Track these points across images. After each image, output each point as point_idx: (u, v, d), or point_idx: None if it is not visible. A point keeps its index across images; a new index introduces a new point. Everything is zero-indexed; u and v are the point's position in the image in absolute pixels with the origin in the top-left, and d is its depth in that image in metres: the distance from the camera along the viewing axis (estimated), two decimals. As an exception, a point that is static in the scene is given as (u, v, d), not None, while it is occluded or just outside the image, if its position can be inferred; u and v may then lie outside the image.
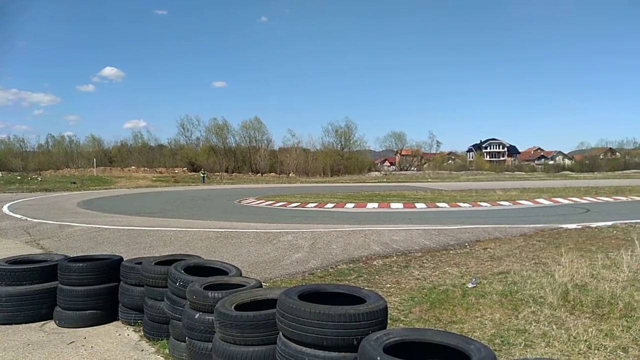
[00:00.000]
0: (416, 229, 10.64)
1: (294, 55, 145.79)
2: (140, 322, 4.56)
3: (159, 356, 3.99)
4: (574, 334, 4.11)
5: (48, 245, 9.66)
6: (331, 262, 7.58)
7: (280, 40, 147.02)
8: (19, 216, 15.57)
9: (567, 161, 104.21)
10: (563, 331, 4.20)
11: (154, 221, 13.80)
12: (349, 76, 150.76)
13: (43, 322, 4.83)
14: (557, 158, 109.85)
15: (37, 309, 4.85)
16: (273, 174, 71.22)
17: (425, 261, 7.64)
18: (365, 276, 6.68)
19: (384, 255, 8.04)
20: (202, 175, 56.18)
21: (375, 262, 7.57)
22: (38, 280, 4.93)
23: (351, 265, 7.40)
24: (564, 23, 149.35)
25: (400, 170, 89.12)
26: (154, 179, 54.76)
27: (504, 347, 3.90)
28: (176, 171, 65.64)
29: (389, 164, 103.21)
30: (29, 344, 4.24)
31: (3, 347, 4.15)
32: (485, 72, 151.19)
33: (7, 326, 4.69)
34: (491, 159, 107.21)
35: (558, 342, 3.97)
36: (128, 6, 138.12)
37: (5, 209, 18.69)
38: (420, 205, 19.53)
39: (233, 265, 4.48)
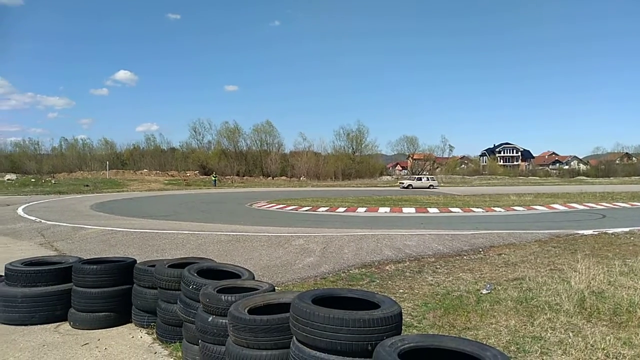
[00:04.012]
0: (429, 234, 10.57)
1: (306, 61, 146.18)
2: (153, 325, 4.58)
3: (172, 359, 3.99)
4: (591, 342, 4.03)
5: (62, 247, 9.76)
6: (343, 266, 7.55)
7: (292, 45, 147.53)
8: (33, 218, 15.79)
9: (582, 166, 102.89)
10: (580, 339, 4.13)
11: (166, 224, 13.89)
12: (361, 80, 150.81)
13: (58, 324, 4.87)
14: (572, 163, 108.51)
15: (52, 310, 4.90)
16: (284, 177, 71.41)
17: (438, 267, 7.57)
18: (378, 281, 6.64)
19: (397, 261, 7.99)
20: (213, 178, 56.57)
21: (387, 267, 7.53)
22: (53, 282, 4.98)
23: (363, 270, 7.37)
24: (579, 23, 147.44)
25: (412, 174, 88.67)
26: (166, 182, 55.22)
27: (519, 355, 3.84)
28: (188, 174, 66.12)
29: (400, 168, 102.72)
30: (44, 345, 4.28)
31: (19, 348, 4.19)
32: (499, 75, 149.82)
33: (23, 327, 4.74)
34: (505, 164, 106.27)
35: (575, 350, 3.90)
36: (142, 10, 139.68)
37: (20, 211, 18.98)
38: (432, 210, 19.40)
39: (245, 269, 4.48)
